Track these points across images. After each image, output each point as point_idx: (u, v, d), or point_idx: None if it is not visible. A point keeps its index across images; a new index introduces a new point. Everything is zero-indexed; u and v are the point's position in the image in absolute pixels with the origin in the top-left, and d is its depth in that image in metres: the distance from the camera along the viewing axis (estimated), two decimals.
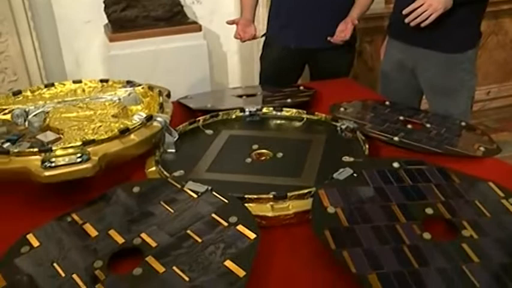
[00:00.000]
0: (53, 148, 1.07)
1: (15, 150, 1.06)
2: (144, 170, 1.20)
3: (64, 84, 1.52)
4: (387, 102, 1.58)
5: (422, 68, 1.78)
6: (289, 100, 1.58)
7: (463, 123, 1.44)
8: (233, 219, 0.91)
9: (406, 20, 1.61)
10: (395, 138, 1.28)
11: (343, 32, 1.94)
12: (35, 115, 1.33)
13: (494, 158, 1.25)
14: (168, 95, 1.45)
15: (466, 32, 1.71)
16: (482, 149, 1.26)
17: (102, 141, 1.11)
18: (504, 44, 3.29)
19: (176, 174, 1.15)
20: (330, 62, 2.07)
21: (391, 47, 1.91)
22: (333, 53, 2.03)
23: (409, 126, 1.39)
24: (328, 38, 1.96)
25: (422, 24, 1.58)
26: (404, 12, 1.61)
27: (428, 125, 1.40)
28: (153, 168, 1.18)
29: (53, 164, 1.03)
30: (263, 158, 1.25)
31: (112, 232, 0.93)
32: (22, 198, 1.15)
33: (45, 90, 1.50)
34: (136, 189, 1.05)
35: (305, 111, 1.45)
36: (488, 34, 3.12)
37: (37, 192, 1.13)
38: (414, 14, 1.58)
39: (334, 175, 1.05)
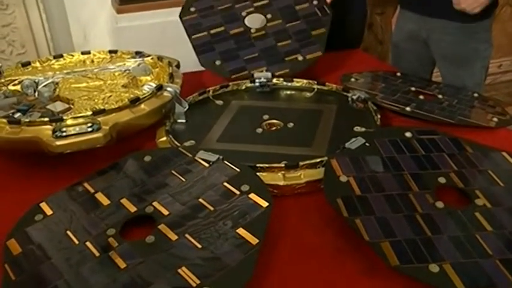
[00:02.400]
0: (64, 118, 1.06)
1: (26, 120, 1.06)
2: (155, 141, 1.19)
3: (73, 55, 1.51)
4: (398, 73, 1.56)
5: (436, 38, 1.75)
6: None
7: (476, 95, 1.42)
8: (245, 187, 0.91)
9: (454, 2, 1.60)
10: (407, 109, 1.26)
11: None
12: (44, 85, 1.33)
13: (507, 129, 1.24)
14: (178, 66, 1.44)
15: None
16: (495, 119, 1.24)
17: (113, 110, 1.10)
18: None
19: (187, 144, 1.14)
20: (339, 32, 2.03)
21: (402, 18, 1.88)
22: (342, 23, 1.99)
23: (421, 97, 1.37)
24: None
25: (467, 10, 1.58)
26: None
27: (440, 96, 1.38)
28: (164, 139, 1.18)
29: (64, 134, 1.03)
30: (274, 128, 1.25)
31: (124, 201, 0.94)
32: (34, 168, 1.15)
33: (54, 61, 1.49)
34: (147, 158, 1.04)
35: (315, 82, 1.44)
36: (502, 5, 3.04)
37: (49, 162, 1.13)
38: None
39: (346, 144, 1.04)
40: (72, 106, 1.23)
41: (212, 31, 1.61)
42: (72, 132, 1.04)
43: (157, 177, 0.99)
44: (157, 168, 1.02)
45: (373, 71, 1.57)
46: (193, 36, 1.60)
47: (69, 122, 1.06)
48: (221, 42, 1.58)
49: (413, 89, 1.42)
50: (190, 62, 1.64)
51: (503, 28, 3.16)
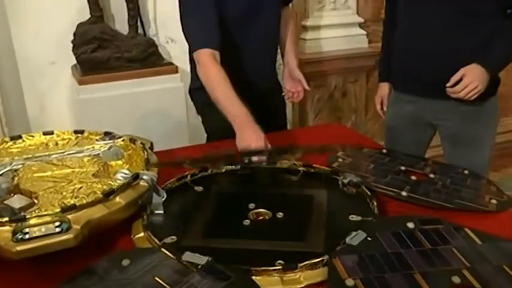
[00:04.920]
0: (27, 216, 0.93)
1: None
2: (131, 236, 1.06)
3: (33, 136, 1.37)
4: (384, 150, 1.50)
5: (444, 120, 1.68)
6: None
7: (466, 172, 1.37)
8: None
9: (449, 91, 1.57)
10: (403, 193, 1.20)
11: (297, 94, 1.78)
12: (1, 175, 1.18)
13: (509, 211, 1.17)
14: (151, 148, 1.32)
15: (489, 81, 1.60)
16: (494, 201, 1.18)
17: (84, 206, 0.98)
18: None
19: (167, 241, 1.02)
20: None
21: (398, 100, 1.81)
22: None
23: (413, 177, 1.30)
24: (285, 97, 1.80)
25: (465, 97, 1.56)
26: (448, 85, 1.57)
27: (432, 175, 1.32)
28: (141, 234, 1.05)
29: (27, 236, 0.90)
30: (261, 217, 1.14)
31: None
32: None
33: (11, 143, 1.34)
34: (125, 262, 0.92)
35: (301, 163, 1.35)
36: None
37: (7, 265, 0.98)
38: (460, 87, 1.55)
39: (347, 240, 0.96)
40: (35, 201, 1.07)
41: None
42: (37, 233, 0.91)
43: (139, 286, 0.86)
44: (138, 274, 0.89)
45: (358, 148, 1.50)
46: None
47: (32, 221, 0.93)
48: None
49: (403, 168, 1.35)
50: (157, 134, 1.53)
51: None
